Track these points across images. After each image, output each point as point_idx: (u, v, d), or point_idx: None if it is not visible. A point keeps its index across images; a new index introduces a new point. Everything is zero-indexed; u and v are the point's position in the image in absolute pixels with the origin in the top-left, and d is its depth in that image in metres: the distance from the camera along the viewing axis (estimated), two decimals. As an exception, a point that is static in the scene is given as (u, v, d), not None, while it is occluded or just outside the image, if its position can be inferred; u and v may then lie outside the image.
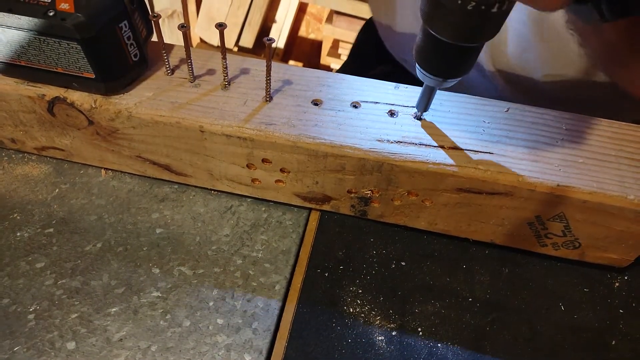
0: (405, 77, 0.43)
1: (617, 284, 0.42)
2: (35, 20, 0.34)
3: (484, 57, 0.54)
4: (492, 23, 0.29)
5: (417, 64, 0.34)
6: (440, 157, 0.36)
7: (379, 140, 0.37)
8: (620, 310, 0.40)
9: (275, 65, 0.41)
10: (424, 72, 0.34)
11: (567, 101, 0.54)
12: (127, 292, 0.38)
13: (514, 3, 0.27)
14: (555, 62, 0.48)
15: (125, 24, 0.36)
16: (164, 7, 1.77)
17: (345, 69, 0.82)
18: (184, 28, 0.36)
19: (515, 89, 0.55)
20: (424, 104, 0.38)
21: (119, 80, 0.38)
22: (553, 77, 0.50)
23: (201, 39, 1.94)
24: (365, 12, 1.62)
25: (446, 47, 0.31)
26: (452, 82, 0.34)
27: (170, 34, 1.77)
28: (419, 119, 0.39)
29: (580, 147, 0.38)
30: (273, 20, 1.90)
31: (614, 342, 0.38)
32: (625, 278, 0.42)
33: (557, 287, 0.41)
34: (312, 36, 1.99)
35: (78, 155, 0.44)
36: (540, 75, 0.51)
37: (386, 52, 0.70)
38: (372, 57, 0.75)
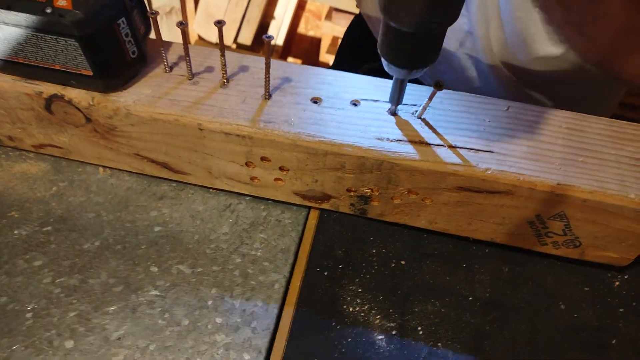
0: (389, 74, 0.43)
1: (617, 283, 0.42)
2: (33, 17, 0.34)
3: (484, 52, 0.54)
4: (449, 7, 0.29)
5: (382, 58, 0.34)
6: (441, 155, 0.36)
7: (378, 139, 0.37)
8: (620, 310, 0.40)
9: (274, 62, 0.41)
10: (391, 65, 0.34)
11: (559, 84, 0.54)
12: (126, 290, 0.38)
13: None
14: (533, 43, 0.49)
15: (123, 21, 0.36)
16: (162, 4, 1.77)
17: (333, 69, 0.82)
18: (183, 25, 0.36)
19: (514, 76, 0.55)
20: (396, 97, 0.38)
21: (117, 78, 0.38)
22: (539, 59, 0.51)
23: (199, 36, 1.93)
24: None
25: (407, 37, 0.31)
26: (419, 73, 0.34)
27: (169, 31, 1.77)
28: (394, 114, 0.39)
29: (580, 146, 0.38)
30: (272, 17, 1.90)
31: (614, 342, 0.38)
32: (626, 277, 0.42)
33: (557, 286, 0.41)
34: (311, 33, 1.99)
35: (76, 152, 0.44)
36: (529, 57, 0.51)
37: (371, 50, 0.70)
38: (358, 56, 0.76)
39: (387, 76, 0.42)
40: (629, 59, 0.42)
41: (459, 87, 0.61)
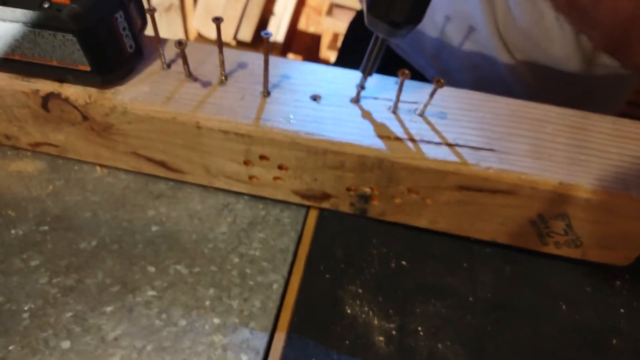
0: (394, 70, 0.43)
1: (618, 283, 0.41)
2: (31, 12, 0.33)
3: (498, 50, 0.54)
4: None
5: (366, 11, 0.32)
6: (442, 154, 0.35)
7: (379, 137, 0.36)
8: (622, 310, 0.40)
9: (274, 59, 0.41)
10: (375, 19, 0.32)
11: (568, 79, 0.54)
12: (122, 290, 0.37)
13: None
14: (543, 37, 0.48)
15: (120, 15, 0.36)
16: (161, 0, 1.76)
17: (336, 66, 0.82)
18: (181, 45, 0.35)
19: (530, 73, 0.55)
20: (370, 63, 0.36)
21: (115, 72, 0.38)
22: (550, 55, 0.50)
23: (199, 33, 1.92)
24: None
25: None
26: (403, 32, 0.32)
27: (168, 28, 1.76)
28: (362, 87, 0.38)
29: (583, 145, 0.37)
30: (272, 14, 1.89)
31: (615, 342, 0.38)
32: (627, 277, 0.42)
33: (559, 286, 0.41)
34: (311, 29, 1.98)
35: (73, 151, 0.43)
36: (539, 52, 0.51)
37: None
38: (361, 52, 0.75)
39: (388, 72, 0.42)
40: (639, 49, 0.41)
41: (463, 77, 0.61)
